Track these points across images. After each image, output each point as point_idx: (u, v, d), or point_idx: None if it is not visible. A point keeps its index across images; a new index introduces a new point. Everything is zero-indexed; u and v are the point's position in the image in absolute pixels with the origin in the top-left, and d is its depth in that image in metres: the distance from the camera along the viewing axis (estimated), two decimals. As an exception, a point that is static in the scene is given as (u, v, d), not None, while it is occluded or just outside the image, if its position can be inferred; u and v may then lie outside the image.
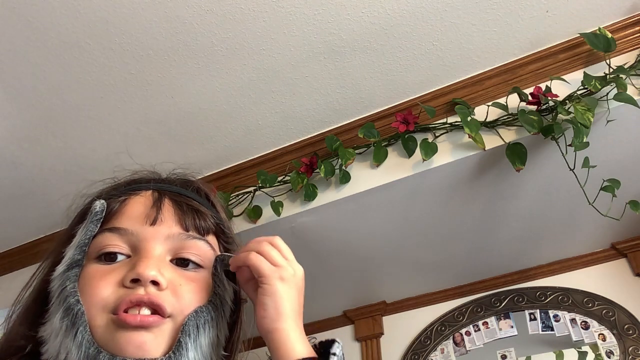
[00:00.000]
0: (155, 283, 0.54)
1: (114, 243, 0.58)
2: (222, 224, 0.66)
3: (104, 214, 0.60)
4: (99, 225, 0.59)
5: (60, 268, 0.57)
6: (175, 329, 0.55)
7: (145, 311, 0.53)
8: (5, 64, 1.51)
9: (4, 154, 1.80)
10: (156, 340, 0.53)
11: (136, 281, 0.54)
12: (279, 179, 1.80)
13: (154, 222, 0.59)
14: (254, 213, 1.78)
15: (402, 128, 1.62)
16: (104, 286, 0.55)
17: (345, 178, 1.69)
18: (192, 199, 0.64)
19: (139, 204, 0.61)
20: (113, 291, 0.54)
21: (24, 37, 1.45)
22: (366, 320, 2.27)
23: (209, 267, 0.61)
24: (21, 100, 1.62)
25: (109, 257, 0.57)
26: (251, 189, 1.83)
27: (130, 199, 0.61)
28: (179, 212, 0.61)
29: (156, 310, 0.54)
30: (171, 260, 0.59)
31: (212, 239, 0.64)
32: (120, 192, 0.63)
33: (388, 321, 2.26)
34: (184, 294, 0.57)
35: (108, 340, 0.52)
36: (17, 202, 2.00)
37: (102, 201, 0.60)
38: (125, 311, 0.53)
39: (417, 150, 1.61)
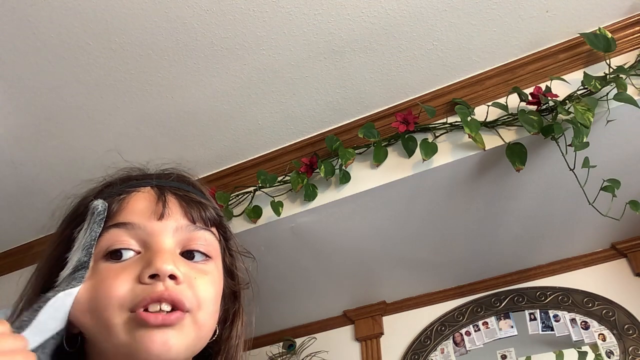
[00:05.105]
0: (172, 277, 0.54)
1: (122, 239, 0.57)
2: (221, 217, 0.66)
3: (106, 214, 0.59)
4: (102, 225, 0.58)
5: (65, 273, 0.56)
6: (195, 323, 0.55)
7: (166, 306, 0.53)
8: (5, 64, 1.51)
9: (4, 154, 1.80)
10: (179, 335, 0.53)
11: (154, 277, 0.54)
12: (279, 179, 1.80)
13: (161, 217, 0.58)
14: (254, 213, 1.78)
15: (402, 128, 1.62)
16: (120, 284, 0.54)
17: (345, 178, 1.69)
18: (192, 192, 0.64)
19: (142, 200, 0.60)
20: (131, 288, 0.54)
21: (24, 37, 1.45)
22: (366, 320, 2.27)
23: (216, 258, 0.62)
24: (21, 100, 1.62)
25: (117, 255, 0.56)
26: (251, 189, 1.83)
27: (130, 196, 0.60)
28: (184, 204, 0.61)
29: (176, 305, 0.54)
30: (180, 254, 0.59)
31: (215, 231, 0.64)
32: (118, 190, 0.62)
33: (388, 321, 2.26)
34: (199, 286, 0.57)
35: (128, 339, 0.52)
36: (17, 202, 2.00)
37: (103, 201, 0.59)
38: (146, 308, 0.53)
39: (417, 150, 1.61)
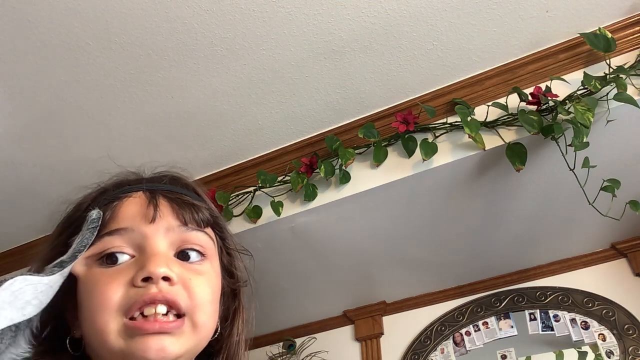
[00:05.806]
0: (166, 279, 0.54)
1: (116, 244, 0.57)
2: (216, 217, 0.66)
3: (100, 222, 0.59)
4: (95, 234, 0.58)
5: None
6: (194, 326, 0.55)
7: (161, 308, 0.53)
8: (5, 63, 1.51)
9: (4, 154, 1.80)
10: (177, 341, 0.53)
11: (147, 279, 0.54)
12: (279, 179, 1.80)
13: (153, 220, 0.59)
14: (254, 213, 1.78)
15: (402, 128, 1.62)
16: (114, 289, 0.54)
17: (345, 178, 1.69)
18: (184, 194, 0.64)
19: (133, 205, 0.60)
20: (124, 292, 0.54)
21: (24, 37, 1.45)
22: (366, 320, 2.27)
23: (212, 258, 0.62)
24: (21, 100, 1.62)
25: (112, 259, 0.56)
26: (251, 189, 1.83)
27: (122, 202, 0.61)
28: (175, 207, 0.61)
29: (171, 306, 0.54)
30: (174, 255, 0.59)
31: (210, 231, 0.64)
32: (111, 196, 0.62)
33: (388, 321, 2.26)
34: (194, 287, 0.57)
35: (123, 346, 0.52)
36: (17, 202, 2.00)
37: (98, 210, 0.60)
38: (141, 310, 0.53)
39: (417, 150, 1.61)
